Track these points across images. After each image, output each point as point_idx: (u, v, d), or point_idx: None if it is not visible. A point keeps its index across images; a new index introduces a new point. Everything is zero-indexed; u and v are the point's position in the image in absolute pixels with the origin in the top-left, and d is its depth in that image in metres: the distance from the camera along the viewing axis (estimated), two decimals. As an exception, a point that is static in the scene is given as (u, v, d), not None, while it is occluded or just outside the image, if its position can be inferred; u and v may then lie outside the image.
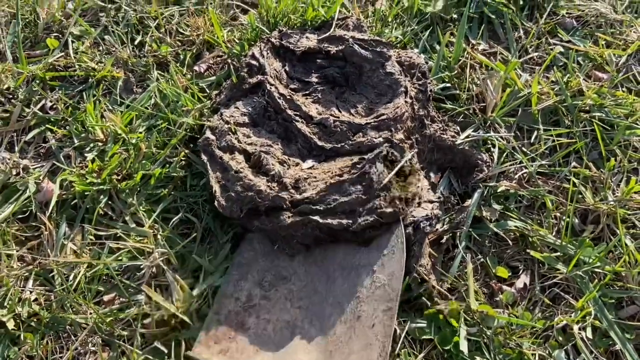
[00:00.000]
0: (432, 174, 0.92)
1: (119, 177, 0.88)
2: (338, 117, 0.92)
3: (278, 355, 0.75)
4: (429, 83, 0.99)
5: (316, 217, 0.80)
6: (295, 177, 0.85)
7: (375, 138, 0.89)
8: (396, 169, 0.83)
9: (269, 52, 0.99)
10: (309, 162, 0.89)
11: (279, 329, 0.78)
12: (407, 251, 0.82)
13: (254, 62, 0.97)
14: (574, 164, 0.95)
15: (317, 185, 0.84)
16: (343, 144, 0.90)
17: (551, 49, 1.09)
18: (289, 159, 0.89)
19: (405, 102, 0.94)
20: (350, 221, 0.81)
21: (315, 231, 0.82)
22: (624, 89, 1.03)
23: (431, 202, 0.86)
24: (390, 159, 0.86)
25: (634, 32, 1.10)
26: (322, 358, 0.74)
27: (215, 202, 0.83)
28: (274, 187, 0.83)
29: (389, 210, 0.80)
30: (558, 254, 0.87)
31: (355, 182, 0.83)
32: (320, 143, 0.90)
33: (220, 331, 0.76)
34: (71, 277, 0.80)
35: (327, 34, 1.01)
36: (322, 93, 0.98)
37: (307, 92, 0.98)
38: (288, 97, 0.94)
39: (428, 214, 0.83)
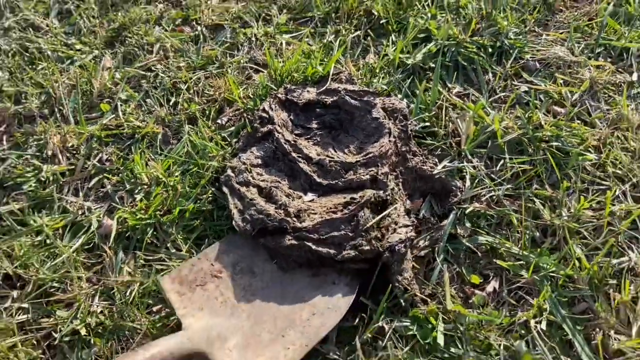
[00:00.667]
0: (408, 201, 1.12)
1: (162, 213, 1.11)
2: (333, 158, 1.13)
3: (212, 322, 0.91)
4: (410, 124, 1.19)
5: (310, 244, 1.00)
6: (298, 208, 1.06)
7: (363, 175, 1.09)
8: (377, 218, 1.02)
9: (276, 105, 1.22)
10: (310, 196, 1.10)
11: (225, 304, 0.95)
12: (388, 269, 1.01)
13: (264, 114, 1.19)
14: (535, 186, 1.13)
15: (314, 217, 1.04)
16: (337, 181, 1.10)
17: (517, 89, 1.28)
18: (293, 193, 1.10)
19: (390, 141, 1.15)
20: (336, 252, 1.00)
21: (307, 254, 1.01)
22: (578, 121, 1.21)
23: (406, 226, 1.06)
24: (377, 202, 1.06)
25: (587, 71, 1.28)
26: (240, 343, 0.90)
27: (234, 222, 1.04)
28: (280, 213, 1.04)
29: (367, 248, 1.00)
30: (521, 262, 1.04)
31: (345, 221, 1.03)
32: (318, 180, 1.11)
33: (187, 278, 0.96)
34: (128, 293, 1.02)
35: (324, 88, 1.24)
36: (320, 137, 1.19)
37: (308, 136, 1.20)
38: (292, 142, 1.16)
39: (402, 237, 1.02)
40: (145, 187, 1.15)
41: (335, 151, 1.16)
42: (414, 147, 1.19)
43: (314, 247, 1.00)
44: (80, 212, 1.13)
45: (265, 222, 1.02)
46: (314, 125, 1.21)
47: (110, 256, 1.06)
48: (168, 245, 1.08)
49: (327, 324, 0.94)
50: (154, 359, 0.82)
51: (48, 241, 1.09)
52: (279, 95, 1.23)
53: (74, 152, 1.22)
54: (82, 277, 1.04)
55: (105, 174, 1.18)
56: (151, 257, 1.06)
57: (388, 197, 1.07)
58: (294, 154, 1.13)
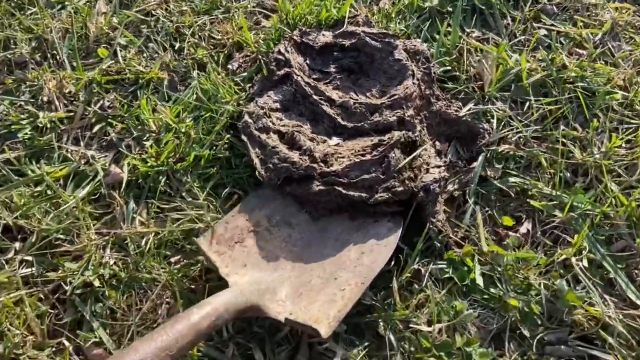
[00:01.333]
0: (438, 143, 1.07)
1: (174, 160, 1.03)
2: (357, 100, 1.08)
3: (257, 276, 0.87)
4: (432, 66, 1.14)
5: (340, 188, 0.95)
6: (324, 152, 1.00)
7: (390, 117, 1.04)
8: (409, 157, 0.97)
9: (292, 48, 1.14)
10: (335, 140, 1.04)
11: (267, 259, 0.91)
12: (422, 210, 0.96)
13: (280, 57, 1.12)
14: (562, 127, 1.10)
15: (342, 161, 0.99)
16: (363, 123, 1.04)
17: (536, 32, 1.24)
18: (317, 137, 1.04)
19: (413, 83, 1.09)
20: (368, 195, 0.95)
21: (338, 199, 0.95)
22: (601, 62, 1.18)
23: (438, 166, 1.01)
24: (406, 142, 1.00)
25: (606, 13, 1.25)
26: (291, 293, 0.86)
27: (257, 173, 0.97)
28: (305, 159, 0.98)
29: (401, 189, 0.95)
30: (554, 202, 1.01)
31: (375, 163, 0.97)
32: (343, 122, 1.05)
33: (224, 237, 0.91)
34: (142, 244, 0.94)
35: (341, 30, 1.17)
36: (340, 80, 1.13)
37: (327, 81, 1.13)
38: (313, 84, 1.09)
39: (436, 177, 0.98)
40: (154, 134, 1.06)
41: (357, 95, 1.10)
42: (437, 90, 1.13)
43: (344, 191, 0.94)
44: (83, 161, 1.04)
45: (290, 170, 0.96)
46: (332, 69, 1.14)
47: (120, 205, 0.98)
48: (183, 194, 1.00)
49: (379, 260, 0.89)
50: (209, 316, 0.76)
51: (49, 192, 0.99)
52: (294, 38, 1.15)
53: (72, 98, 1.12)
54: (91, 227, 0.96)
55: (108, 121, 1.09)
56: (166, 206, 0.98)
57: (417, 138, 1.02)
58: (315, 97, 1.07)
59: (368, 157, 0.98)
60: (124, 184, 0.99)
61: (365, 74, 1.14)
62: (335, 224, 0.96)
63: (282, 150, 0.99)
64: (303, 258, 0.92)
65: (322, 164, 0.98)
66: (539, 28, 1.25)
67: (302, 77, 1.09)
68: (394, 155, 0.97)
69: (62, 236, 0.95)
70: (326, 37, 1.18)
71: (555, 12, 1.28)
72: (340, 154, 1.00)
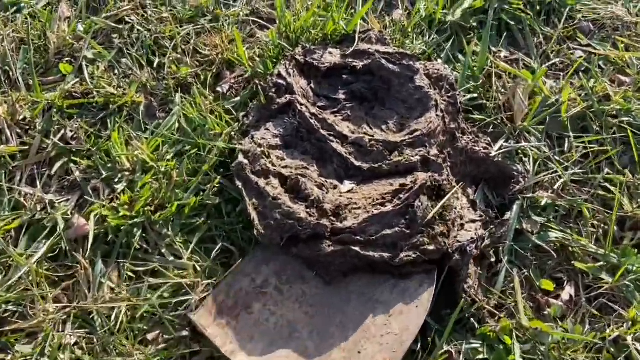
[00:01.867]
0: (470, 191, 0.91)
1: (152, 209, 0.85)
2: (373, 136, 0.91)
3: (268, 351, 0.74)
4: (458, 95, 0.98)
5: (357, 248, 0.79)
6: (336, 204, 0.83)
7: (412, 157, 0.88)
8: (440, 204, 0.82)
9: (294, 70, 0.97)
10: (348, 185, 0.87)
11: (279, 325, 0.77)
12: (456, 275, 0.81)
13: (281, 81, 0.94)
14: (607, 170, 0.95)
15: (358, 213, 0.82)
16: (381, 164, 0.88)
17: (572, 54, 1.09)
18: (326, 182, 0.87)
19: (437, 116, 0.93)
20: (392, 255, 0.79)
21: (354, 260, 0.80)
22: (647, 92, 1.04)
23: (474, 221, 0.85)
24: (433, 187, 0.85)
25: (651, 33, 1.11)
26: None
27: (255, 231, 0.81)
28: (313, 213, 0.81)
29: (432, 247, 0.79)
30: (601, 263, 0.87)
31: (398, 214, 0.81)
32: (357, 163, 0.88)
33: (226, 304, 0.77)
34: (112, 318, 0.77)
35: (352, 49, 0.99)
36: (351, 110, 0.96)
37: (335, 109, 0.96)
38: (320, 116, 0.92)
39: (473, 236, 0.82)
40: (128, 174, 0.88)
41: (371, 128, 0.93)
42: (463, 123, 0.97)
43: (362, 252, 0.78)
44: (39, 207, 0.85)
45: (296, 228, 0.79)
46: (341, 96, 0.97)
47: (85, 268, 0.79)
48: (163, 250, 0.83)
49: (411, 327, 0.74)
50: None
51: (-3, 248, 0.81)
52: (297, 57, 0.97)
53: (27, 127, 0.93)
54: (48, 297, 0.77)
55: (71, 157, 0.90)
56: (141, 268, 0.81)
57: (445, 182, 0.86)
58: (323, 132, 0.89)
59: (389, 206, 0.82)
60: (90, 240, 0.81)
61: (380, 102, 0.97)
62: (358, 274, 0.81)
63: (286, 202, 0.81)
64: (322, 320, 0.77)
65: (333, 219, 0.81)
66: (574, 49, 1.09)
67: (307, 108, 0.92)
68: (420, 203, 0.81)
69: (12, 307, 0.77)
70: (334, 56, 1.00)
71: (591, 31, 1.13)
72: (356, 204, 0.84)
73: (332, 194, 0.85)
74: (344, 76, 0.98)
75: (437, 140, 0.92)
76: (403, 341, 0.74)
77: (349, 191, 0.86)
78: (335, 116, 0.95)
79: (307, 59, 0.98)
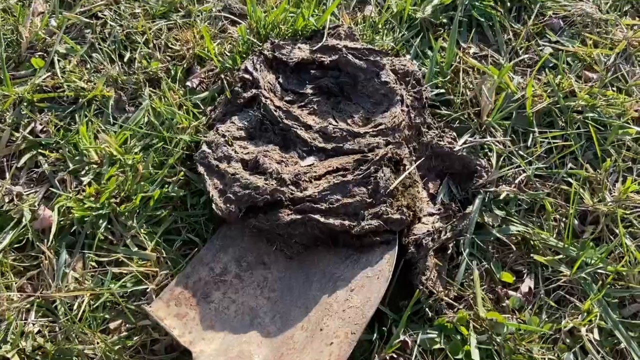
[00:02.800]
0: (430, 184, 0.92)
1: (118, 200, 0.86)
2: (337, 125, 0.92)
3: (229, 338, 0.74)
4: (424, 90, 0.99)
5: (317, 216, 0.80)
6: (294, 173, 0.84)
7: (375, 142, 0.89)
8: (403, 175, 0.83)
9: (261, 65, 0.98)
10: (309, 160, 0.88)
11: (240, 312, 0.77)
12: (412, 267, 0.82)
13: (247, 75, 0.95)
14: (570, 165, 0.96)
15: (318, 183, 0.83)
16: (344, 143, 0.89)
17: (540, 50, 1.10)
18: (287, 159, 0.88)
19: (402, 110, 0.94)
20: (354, 223, 0.80)
21: (315, 231, 0.81)
22: (614, 88, 1.05)
23: (431, 214, 0.87)
24: (395, 160, 0.86)
25: (619, 31, 1.11)
26: (271, 356, 0.72)
27: (213, 205, 0.81)
28: (272, 183, 0.82)
29: (396, 216, 0.80)
30: (561, 256, 0.88)
31: (359, 183, 0.82)
32: (321, 145, 0.89)
33: (184, 295, 0.77)
34: (75, 307, 0.78)
35: (320, 44, 1.01)
36: (317, 104, 0.97)
37: (302, 103, 0.97)
38: (284, 109, 0.93)
39: (429, 229, 0.83)
40: (95, 166, 0.89)
41: (337, 121, 0.95)
42: (428, 118, 0.99)
43: (322, 219, 0.79)
44: (7, 200, 0.87)
45: (253, 197, 0.80)
46: (309, 91, 0.98)
47: (49, 258, 0.81)
48: (127, 241, 0.84)
49: (372, 298, 0.74)
50: None
51: (-38, 238, 0.82)
52: (265, 53, 0.99)
53: (-3, 120, 0.94)
54: (12, 286, 0.79)
55: (40, 150, 0.91)
56: (105, 259, 0.82)
57: (406, 157, 0.87)
58: (287, 121, 0.91)
59: (350, 176, 0.83)
60: (52, 230, 0.83)
61: (347, 97, 0.99)
62: (318, 254, 0.82)
63: (244, 176, 0.83)
64: (285, 304, 0.78)
65: (292, 187, 0.82)
66: (543, 46, 1.10)
67: (271, 101, 0.93)
68: (382, 174, 0.82)
69: (-24, 296, 0.79)
70: (302, 51, 1.01)
71: (561, 27, 1.14)
72: (315, 172, 0.85)
73: (292, 167, 0.86)
74: (312, 71, 1.00)
75: (402, 134, 0.93)
76: (364, 313, 0.74)
77: (309, 165, 0.87)
78: (302, 110, 0.96)
79: (275, 54, 0.99)
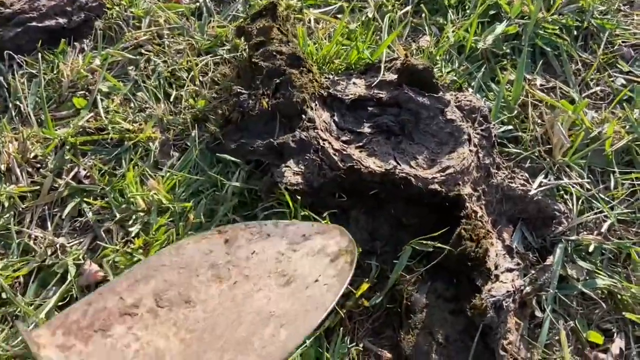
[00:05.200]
0: (505, 234, 0.84)
1: (168, 253, 0.79)
2: (403, 169, 0.85)
3: None
4: (493, 128, 0.91)
5: None
6: None
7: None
8: None
9: (317, 102, 0.91)
10: None
11: (142, 353, 0.66)
12: (492, 333, 0.74)
13: (303, 115, 0.89)
14: (657, 210, 0.88)
15: None
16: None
17: (612, 82, 1.02)
18: None
19: (470, 151, 0.87)
20: None
21: None
22: (697, 122, 0.96)
23: (510, 270, 0.78)
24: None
25: (697, 58, 1.03)
26: None
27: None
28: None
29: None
30: (654, 313, 0.79)
31: None
32: None
33: (77, 324, 0.66)
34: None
35: (378, 80, 0.94)
36: (377, 144, 0.90)
37: (360, 143, 0.90)
38: (345, 152, 0.86)
39: (509, 289, 0.75)
40: (142, 215, 0.83)
41: (399, 164, 0.87)
42: (497, 158, 0.91)
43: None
44: (50, 252, 0.81)
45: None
46: (367, 130, 0.91)
47: (96, 319, 0.74)
48: (178, 299, 0.77)
49: (301, 330, 0.67)
50: None
51: (4, 295, 0.76)
52: (321, 92, 0.92)
53: (39, 165, 0.89)
54: (57, 352, 0.72)
55: (84, 197, 0.85)
56: (156, 319, 0.75)
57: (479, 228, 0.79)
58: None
59: None
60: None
61: (408, 136, 0.91)
62: (261, 294, 0.72)
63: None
64: (200, 347, 0.67)
65: None
66: (614, 76, 1.02)
67: (330, 143, 0.86)
68: None
69: (19, 363, 0.72)
70: (358, 87, 0.95)
71: (632, 56, 1.06)
72: None
73: None
74: (369, 108, 0.93)
75: (471, 177, 0.85)
76: (286, 347, 0.66)
77: None
78: (361, 151, 0.89)
79: (330, 91, 0.93)
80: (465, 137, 0.88)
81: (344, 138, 0.90)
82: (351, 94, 0.93)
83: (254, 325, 0.69)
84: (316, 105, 0.91)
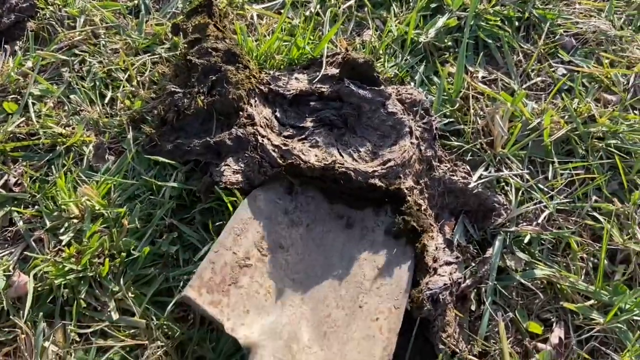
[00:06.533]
0: (446, 227, 0.84)
1: (101, 261, 0.77)
2: (343, 164, 0.84)
3: (268, 322, 0.70)
4: (434, 120, 0.91)
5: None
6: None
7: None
8: None
9: (257, 99, 0.90)
10: None
11: (270, 295, 0.74)
12: (431, 326, 0.74)
13: (239, 111, 0.87)
14: (594, 197, 0.89)
15: None
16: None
17: (553, 72, 1.03)
18: None
19: (412, 143, 0.87)
20: None
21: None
22: (635, 111, 0.97)
23: (449, 263, 0.78)
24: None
25: (636, 48, 1.05)
26: (315, 335, 0.70)
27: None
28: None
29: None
30: (592, 302, 0.80)
31: None
32: None
33: (214, 281, 0.71)
34: (55, 388, 0.69)
35: (320, 74, 0.93)
36: (319, 135, 0.89)
37: (302, 136, 0.89)
38: (284, 148, 0.84)
39: (446, 282, 0.75)
40: (76, 222, 0.81)
41: (342, 156, 0.86)
42: (439, 150, 0.91)
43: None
44: (-23, 264, 0.78)
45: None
46: (309, 124, 0.90)
47: (25, 332, 0.72)
48: (110, 309, 0.75)
49: (403, 275, 0.76)
50: None
51: None
52: (260, 87, 0.91)
53: (-34, 173, 0.86)
54: (-16, 368, 0.70)
55: (14, 206, 0.82)
56: (88, 330, 0.73)
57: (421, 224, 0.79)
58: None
59: None
60: (29, 299, 0.74)
61: (350, 129, 0.91)
62: (332, 236, 0.81)
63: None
64: (311, 284, 0.76)
65: None
66: (556, 66, 1.03)
67: (269, 139, 0.85)
68: None
69: (-58, 380, 0.70)
70: (300, 82, 0.94)
71: (574, 46, 1.06)
72: None
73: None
74: (312, 103, 0.92)
75: (412, 169, 0.85)
76: (401, 287, 0.75)
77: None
78: (303, 143, 0.88)
79: (271, 87, 0.91)
80: (407, 129, 0.88)
81: (285, 133, 0.89)
82: (293, 89, 0.92)
83: (344, 264, 0.77)
84: (256, 101, 0.89)
